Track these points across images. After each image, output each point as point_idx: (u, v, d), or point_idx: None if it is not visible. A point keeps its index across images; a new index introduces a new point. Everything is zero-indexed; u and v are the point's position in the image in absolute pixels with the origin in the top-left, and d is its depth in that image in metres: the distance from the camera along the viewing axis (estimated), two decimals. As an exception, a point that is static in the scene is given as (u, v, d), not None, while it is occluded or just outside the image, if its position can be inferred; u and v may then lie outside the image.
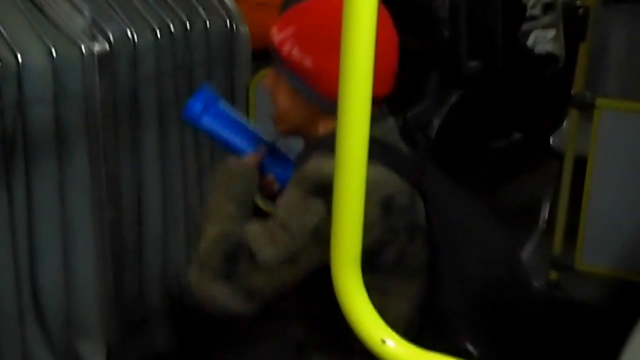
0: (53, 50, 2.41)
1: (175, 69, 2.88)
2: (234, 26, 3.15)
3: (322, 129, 1.64)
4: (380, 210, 1.52)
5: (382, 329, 1.11)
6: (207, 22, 3.02)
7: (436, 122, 4.10)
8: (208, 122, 1.80)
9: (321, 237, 1.49)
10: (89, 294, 2.67)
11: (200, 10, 3.03)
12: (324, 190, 1.47)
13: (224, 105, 1.87)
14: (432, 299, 1.62)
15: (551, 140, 3.74)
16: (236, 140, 1.80)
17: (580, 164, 3.27)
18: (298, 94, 1.62)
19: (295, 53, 1.59)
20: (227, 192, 1.68)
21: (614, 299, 3.33)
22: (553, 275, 3.46)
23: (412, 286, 1.63)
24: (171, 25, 2.84)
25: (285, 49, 1.61)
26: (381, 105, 1.65)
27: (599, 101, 3.03)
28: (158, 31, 2.77)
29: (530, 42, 5.15)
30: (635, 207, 3.10)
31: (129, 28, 2.67)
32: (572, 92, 3.09)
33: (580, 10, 3.02)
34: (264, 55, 1.78)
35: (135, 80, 2.72)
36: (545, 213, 3.85)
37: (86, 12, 2.51)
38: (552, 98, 4.69)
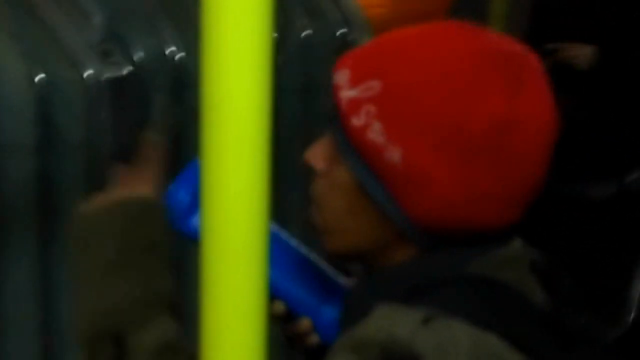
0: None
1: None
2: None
3: (396, 256, 1.02)
4: None
5: None
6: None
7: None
8: None
9: None
10: None
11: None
12: None
13: None
14: None
15: None
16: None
17: None
18: (368, 199, 1.00)
19: (375, 135, 0.96)
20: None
21: None
22: None
23: None
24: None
25: (358, 121, 0.97)
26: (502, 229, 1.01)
27: None
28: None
29: None
30: None
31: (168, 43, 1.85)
32: None
33: None
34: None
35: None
36: None
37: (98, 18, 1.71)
38: None
